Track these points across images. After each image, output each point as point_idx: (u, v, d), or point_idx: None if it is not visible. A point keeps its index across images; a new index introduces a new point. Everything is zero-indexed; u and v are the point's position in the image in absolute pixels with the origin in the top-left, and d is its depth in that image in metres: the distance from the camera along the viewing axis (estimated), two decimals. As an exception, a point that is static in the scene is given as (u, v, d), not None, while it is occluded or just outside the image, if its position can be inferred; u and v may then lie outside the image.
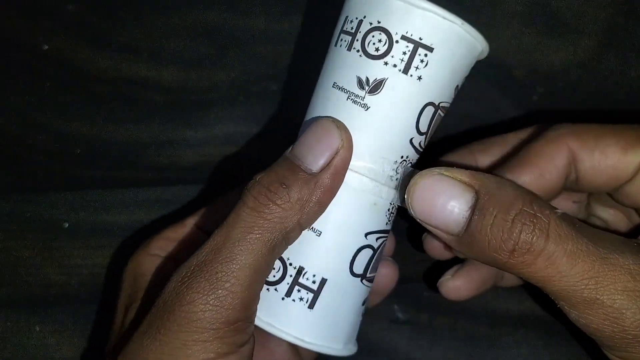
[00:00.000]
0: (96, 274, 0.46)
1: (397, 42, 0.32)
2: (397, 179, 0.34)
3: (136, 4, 0.49)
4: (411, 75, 0.32)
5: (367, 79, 0.33)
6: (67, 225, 0.46)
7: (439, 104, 0.34)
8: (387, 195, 0.34)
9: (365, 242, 0.34)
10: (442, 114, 0.35)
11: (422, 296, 0.40)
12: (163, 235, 0.39)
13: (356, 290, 0.35)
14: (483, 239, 0.30)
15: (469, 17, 0.33)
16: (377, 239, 0.35)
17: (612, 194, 0.38)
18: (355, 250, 0.34)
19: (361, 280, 0.35)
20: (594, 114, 0.46)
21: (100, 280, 0.46)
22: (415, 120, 0.33)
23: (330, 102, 0.34)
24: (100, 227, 0.46)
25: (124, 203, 0.47)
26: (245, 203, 0.31)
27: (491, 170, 0.39)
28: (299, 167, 0.32)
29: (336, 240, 0.34)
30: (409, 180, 0.32)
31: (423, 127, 0.34)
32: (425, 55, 0.32)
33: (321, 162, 0.32)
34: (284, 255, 0.34)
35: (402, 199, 0.34)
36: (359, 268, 0.35)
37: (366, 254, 0.35)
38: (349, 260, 0.34)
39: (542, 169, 0.36)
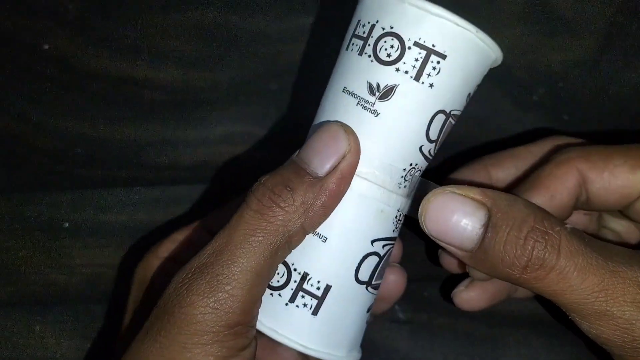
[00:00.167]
0: (96, 274, 0.45)
1: (409, 48, 0.31)
2: (405, 187, 0.34)
3: (136, 4, 0.48)
4: (423, 83, 0.32)
5: (378, 85, 0.32)
6: (67, 225, 0.46)
7: (450, 111, 0.33)
8: (395, 203, 0.34)
9: (371, 249, 0.34)
10: (453, 122, 0.34)
11: (422, 296, 0.40)
12: (172, 238, 0.38)
13: (361, 298, 0.34)
14: (496, 256, 0.30)
15: (469, 17, 0.32)
16: (383, 246, 0.34)
17: (623, 211, 0.38)
18: (360, 257, 0.34)
19: (366, 288, 0.34)
20: (595, 114, 0.46)
21: (101, 280, 0.45)
22: (425, 128, 0.33)
23: (339, 107, 0.33)
24: (101, 226, 0.46)
25: (124, 203, 0.46)
26: (249, 205, 0.31)
27: (506, 187, 0.39)
28: (305, 171, 0.31)
29: (342, 246, 0.33)
30: (419, 192, 0.33)
31: (433, 135, 0.33)
32: (438, 62, 0.31)
33: (327, 166, 0.31)
34: (289, 260, 0.34)
35: (412, 210, 0.34)
36: (364, 275, 0.34)
37: (372, 261, 0.34)
38: (354, 267, 0.34)
39: (553, 190, 0.36)
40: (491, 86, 0.46)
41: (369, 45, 0.32)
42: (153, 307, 0.33)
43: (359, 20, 0.34)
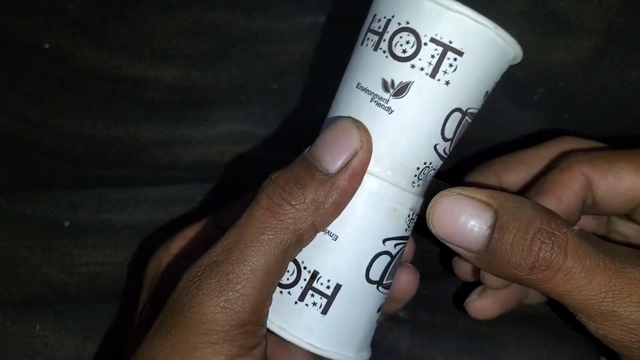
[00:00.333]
0: (97, 273, 0.45)
1: (425, 44, 0.31)
2: (419, 185, 0.33)
3: (137, 3, 0.48)
4: (439, 80, 0.31)
5: (393, 82, 0.31)
6: (67, 224, 0.46)
7: (467, 110, 0.32)
8: (407, 202, 0.33)
9: (383, 249, 0.33)
10: (469, 120, 0.33)
11: (423, 295, 0.40)
12: (183, 234, 0.38)
13: (371, 297, 0.34)
14: (503, 257, 0.30)
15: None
16: (395, 245, 0.34)
17: (631, 215, 0.38)
18: (372, 257, 0.33)
19: (377, 287, 0.34)
20: (595, 114, 0.46)
21: (101, 279, 0.45)
22: (440, 126, 0.32)
23: (353, 103, 0.32)
24: (101, 226, 0.45)
25: (124, 202, 0.46)
26: (259, 203, 0.30)
27: (517, 192, 0.39)
28: (316, 168, 0.31)
29: (353, 245, 0.32)
30: (430, 193, 0.33)
31: (449, 134, 0.32)
32: (455, 59, 0.31)
33: (339, 162, 0.31)
34: (299, 258, 0.33)
35: (423, 210, 0.33)
36: (375, 275, 0.33)
37: (383, 260, 0.33)
38: (365, 267, 0.33)
39: (559, 195, 0.36)
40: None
41: (384, 40, 0.31)
42: (163, 303, 0.33)
43: (375, 15, 0.33)
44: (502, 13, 0.47)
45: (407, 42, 0.31)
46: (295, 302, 0.33)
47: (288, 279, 0.33)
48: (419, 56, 0.31)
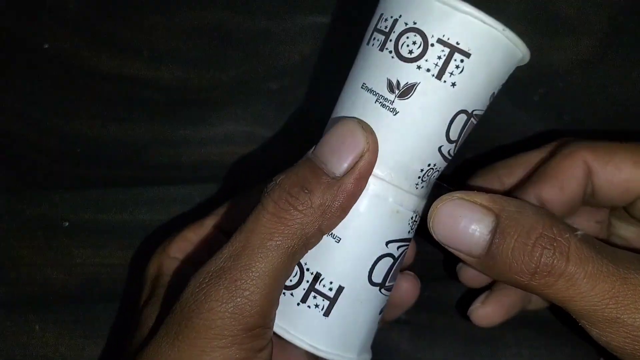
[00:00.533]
0: (96, 273, 0.45)
1: (432, 45, 0.30)
2: (422, 187, 0.33)
3: (137, 3, 0.48)
4: (445, 81, 0.30)
5: (398, 82, 0.31)
6: (67, 224, 0.46)
7: (473, 111, 0.32)
8: (411, 204, 0.32)
9: (386, 251, 0.33)
10: (475, 122, 0.32)
11: (423, 296, 0.40)
12: (182, 236, 0.37)
13: (374, 300, 0.33)
14: (504, 262, 0.29)
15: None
16: (398, 247, 0.33)
17: (628, 209, 0.38)
18: (375, 259, 0.32)
19: (379, 290, 0.33)
20: (595, 114, 0.46)
21: (101, 280, 0.44)
22: (445, 128, 0.31)
23: (358, 104, 0.32)
24: (101, 226, 0.45)
25: (124, 202, 0.46)
26: (265, 207, 0.30)
27: (516, 188, 0.39)
28: (322, 171, 0.30)
29: (355, 247, 0.32)
30: (433, 195, 0.33)
31: (454, 136, 0.32)
32: (462, 60, 0.30)
33: (345, 165, 0.30)
34: (302, 260, 0.32)
35: (426, 212, 0.33)
36: (377, 277, 0.33)
37: (386, 262, 0.33)
38: (368, 269, 0.32)
39: (562, 181, 0.36)
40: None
41: (390, 40, 0.31)
42: (165, 306, 0.33)
43: (382, 14, 0.32)
44: (502, 13, 0.47)
45: (414, 43, 0.30)
46: (298, 304, 0.33)
47: (291, 281, 0.33)
48: (425, 57, 0.30)
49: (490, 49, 0.31)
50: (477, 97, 0.31)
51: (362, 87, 0.32)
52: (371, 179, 0.31)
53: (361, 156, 0.30)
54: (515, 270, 0.29)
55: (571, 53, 0.46)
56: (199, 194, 0.46)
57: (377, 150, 0.31)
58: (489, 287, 0.40)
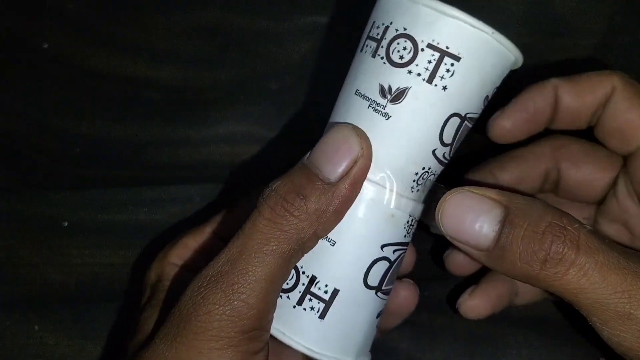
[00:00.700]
0: (96, 273, 0.45)
1: (422, 50, 0.30)
2: (418, 191, 0.33)
3: (137, 3, 0.48)
4: (436, 85, 0.31)
5: (390, 87, 0.31)
6: (66, 224, 0.46)
7: (466, 114, 0.32)
8: (406, 208, 0.33)
9: (381, 254, 0.33)
10: (469, 125, 0.33)
11: (423, 296, 0.40)
12: (182, 243, 0.38)
13: (370, 303, 0.34)
14: (514, 252, 0.29)
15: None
16: (394, 251, 0.33)
17: (603, 208, 0.39)
18: (370, 262, 0.33)
19: (376, 293, 0.34)
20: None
21: (100, 280, 0.45)
22: (438, 132, 0.32)
23: (352, 110, 0.32)
24: (100, 226, 0.45)
25: (123, 202, 0.46)
26: (262, 213, 0.30)
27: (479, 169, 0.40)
28: (317, 176, 0.31)
29: (350, 251, 0.32)
30: (432, 196, 0.33)
31: (447, 139, 0.32)
32: (452, 64, 0.30)
33: (339, 171, 0.31)
34: (298, 263, 0.33)
35: (423, 215, 0.34)
36: (373, 280, 0.33)
37: (382, 266, 0.33)
38: (363, 272, 0.33)
39: (524, 169, 0.39)
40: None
41: (382, 47, 0.32)
42: (165, 312, 0.33)
43: (374, 22, 0.33)
44: (502, 14, 0.47)
45: (404, 48, 0.31)
46: (294, 307, 0.33)
47: (287, 284, 0.33)
48: (415, 62, 0.31)
49: (481, 52, 0.31)
50: (469, 100, 0.32)
51: (355, 93, 0.32)
52: (366, 183, 0.32)
53: (355, 162, 0.31)
54: (525, 259, 0.29)
55: (571, 53, 0.46)
56: (199, 194, 0.46)
57: (371, 155, 0.32)
58: (476, 277, 0.41)
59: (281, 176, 0.31)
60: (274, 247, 0.30)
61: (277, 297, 0.32)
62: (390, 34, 0.31)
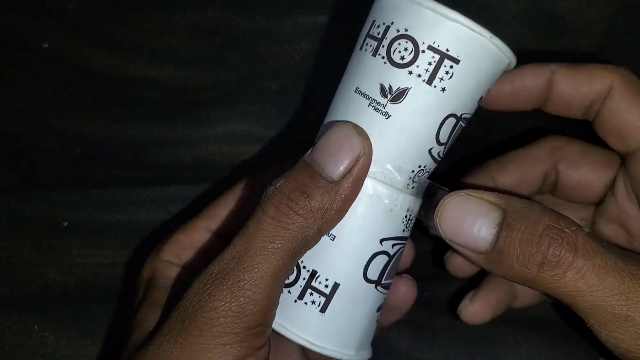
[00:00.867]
0: (95, 273, 0.45)
1: (423, 52, 0.31)
2: (414, 187, 0.34)
3: (136, 3, 0.48)
4: (435, 86, 0.31)
5: (390, 87, 0.32)
6: (66, 224, 0.46)
7: (461, 115, 0.33)
8: (404, 203, 0.34)
9: (380, 248, 0.34)
10: (463, 125, 0.34)
11: (422, 296, 0.40)
12: (174, 240, 0.38)
13: (370, 297, 0.34)
14: (511, 254, 0.30)
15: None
16: (393, 245, 0.34)
17: (602, 209, 0.39)
18: (369, 256, 0.34)
19: (375, 287, 0.34)
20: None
21: (100, 280, 0.45)
22: (435, 131, 0.32)
23: (351, 107, 0.33)
24: (100, 226, 0.46)
25: (123, 202, 0.46)
26: (266, 212, 0.31)
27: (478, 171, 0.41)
28: (320, 175, 0.31)
29: (350, 245, 0.33)
30: (427, 196, 0.34)
31: (443, 138, 0.33)
32: (451, 66, 0.31)
33: (342, 169, 0.31)
34: None
35: (419, 213, 0.35)
36: (373, 274, 0.34)
37: (381, 260, 0.34)
38: (363, 266, 0.34)
39: (524, 170, 0.39)
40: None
41: (382, 46, 0.32)
42: (162, 308, 0.34)
43: (374, 21, 0.33)
44: (501, 14, 0.47)
45: (405, 49, 0.32)
46: (295, 301, 0.34)
47: (289, 278, 0.34)
48: (416, 63, 0.32)
49: (479, 55, 0.32)
50: (465, 102, 0.33)
51: (355, 91, 0.33)
52: (365, 179, 0.33)
53: (357, 160, 0.32)
54: (522, 262, 0.30)
55: (570, 54, 0.46)
56: (198, 194, 0.46)
57: (372, 153, 0.32)
58: (476, 278, 0.41)
59: (284, 174, 0.32)
60: (279, 245, 0.31)
61: (281, 293, 0.32)
62: (391, 34, 0.32)
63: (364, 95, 0.32)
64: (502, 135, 0.46)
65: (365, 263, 0.34)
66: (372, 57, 0.33)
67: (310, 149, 0.32)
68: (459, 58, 0.31)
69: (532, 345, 0.43)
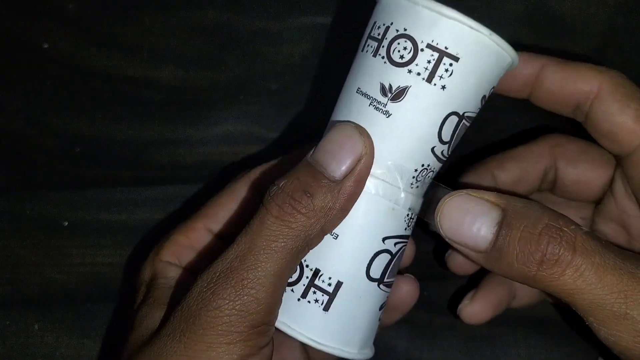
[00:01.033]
0: (95, 273, 0.45)
1: (422, 50, 0.32)
2: (417, 187, 0.34)
3: (136, 3, 0.49)
4: (435, 84, 0.32)
5: (390, 86, 0.32)
6: (66, 224, 0.46)
7: (464, 113, 0.33)
8: (406, 202, 0.34)
9: (383, 247, 0.34)
10: (467, 124, 0.34)
11: (422, 295, 0.40)
12: (173, 240, 0.38)
13: (372, 295, 0.35)
14: (511, 253, 0.30)
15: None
16: (395, 244, 0.35)
17: (601, 208, 0.40)
18: (372, 255, 0.34)
19: (378, 285, 0.35)
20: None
21: (100, 279, 0.45)
22: (437, 129, 0.33)
23: (353, 108, 0.33)
24: (100, 226, 0.46)
25: (123, 202, 0.46)
26: (269, 211, 0.31)
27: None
28: (322, 174, 0.32)
29: (352, 243, 0.34)
30: (429, 195, 0.34)
31: (446, 137, 0.33)
32: (451, 64, 0.32)
33: (344, 169, 0.32)
34: None
35: (421, 212, 0.35)
36: (376, 272, 0.34)
37: (384, 258, 0.34)
38: (366, 264, 0.34)
39: (524, 167, 0.40)
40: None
41: (382, 46, 0.33)
42: (162, 308, 0.34)
43: (375, 22, 0.34)
44: (501, 15, 0.47)
45: (405, 48, 0.32)
46: (298, 299, 0.34)
47: (292, 277, 0.34)
48: (415, 62, 0.32)
49: (479, 53, 0.32)
50: (467, 100, 0.33)
51: (356, 92, 0.34)
52: (368, 178, 0.33)
53: (359, 159, 0.32)
54: (521, 260, 0.30)
55: (570, 54, 0.46)
56: (198, 194, 0.47)
57: (374, 152, 0.33)
58: (476, 278, 0.42)
59: (286, 174, 0.32)
60: (282, 244, 0.31)
61: (284, 292, 0.33)
62: (390, 34, 0.33)
63: (365, 95, 0.33)
64: (501, 134, 0.46)
65: (368, 261, 0.34)
66: (373, 58, 0.33)
67: (313, 149, 0.33)
68: (458, 56, 0.32)
69: (531, 345, 0.43)
